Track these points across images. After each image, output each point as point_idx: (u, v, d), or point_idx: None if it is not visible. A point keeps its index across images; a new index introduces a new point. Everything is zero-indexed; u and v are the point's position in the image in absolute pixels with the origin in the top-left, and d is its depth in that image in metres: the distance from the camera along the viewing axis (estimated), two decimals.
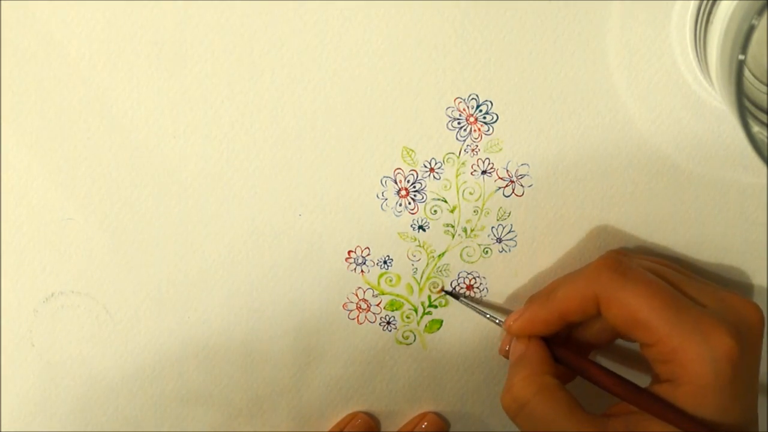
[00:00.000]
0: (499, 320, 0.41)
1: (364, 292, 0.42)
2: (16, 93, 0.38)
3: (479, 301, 0.42)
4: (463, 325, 0.43)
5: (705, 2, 0.36)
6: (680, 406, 0.36)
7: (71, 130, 0.39)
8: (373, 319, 0.43)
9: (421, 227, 0.41)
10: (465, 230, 0.42)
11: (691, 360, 0.35)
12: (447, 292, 0.42)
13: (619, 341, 0.43)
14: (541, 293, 0.40)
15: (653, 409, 0.36)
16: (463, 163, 0.40)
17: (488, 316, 0.41)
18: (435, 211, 0.41)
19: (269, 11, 0.38)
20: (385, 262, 0.42)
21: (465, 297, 0.42)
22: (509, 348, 0.40)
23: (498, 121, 0.40)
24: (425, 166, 0.40)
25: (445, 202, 0.41)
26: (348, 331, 0.43)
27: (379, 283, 0.42)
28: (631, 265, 0.37)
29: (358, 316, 0.43)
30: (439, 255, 0.42)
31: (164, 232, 0.41)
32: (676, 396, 0.36)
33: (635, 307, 0.36)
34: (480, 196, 0.41)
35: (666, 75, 0.39)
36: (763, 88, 0.37)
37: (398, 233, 0.41)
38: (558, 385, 0.37)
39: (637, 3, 0.38)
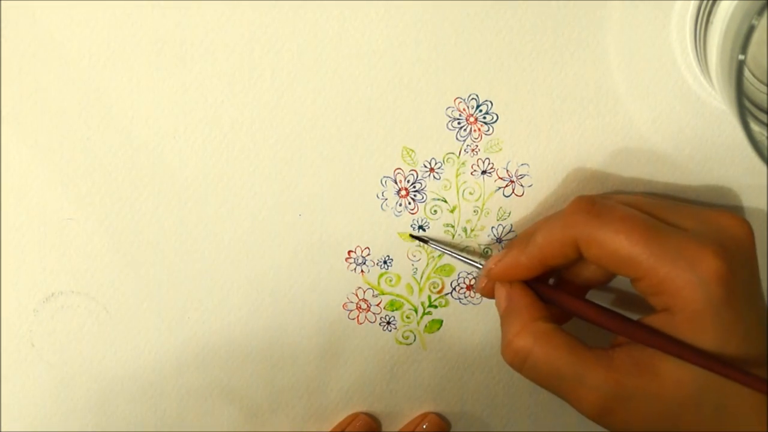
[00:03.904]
0: (478, 263, 0.40)
1: (364, 292, 0.42)
2: (16, 93, 0.38)
3: (451, 245, 0.42)
4: (463, 325, 0.43)
5: (705, 2, 0.36)
6: (680, 335, 0.34)
7: (71, 130, 0.39)
8: (373, 319, 0.43)
9: (421, 227, 0.41)
10: (465, 230, 0.41)
11: (681, 287, 0.34)
12: (414, 237, 0.41)
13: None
14: (520, 237, 0.39)
15: (650, 341, 0.35)
16: (463, 163, 0.40)
17: (465, 259, 0.41)
18: (435, 211, 0.41)
19: (269, 11, 0.38)
20: (385, 262, 0.42)
21: (435, 241, 0.41)
22: (486, 286, 0.40)
23: (498, 121, 0.40)
24: (425, 166, 0.40)
25: (445, 202, 0.41)
26: (348, 331, 0.43)
27: (379, 283, 0.42)
28: (606, 203, 0.36)
29: (358, 316, 0.43)
30: (439, 255, 0.42)
31: (164, 232, 0.41)
32: (674, 325, 0.35)
33: (615, 245, 0.35)
34: (480, 196, 0.41)
35: (666, 75, 0.39)
36: (763, 88, 0.37)
37: (398, 233, 0.41)
38: (554, 328, 0.36)
39: (637, 3, 0.38)
